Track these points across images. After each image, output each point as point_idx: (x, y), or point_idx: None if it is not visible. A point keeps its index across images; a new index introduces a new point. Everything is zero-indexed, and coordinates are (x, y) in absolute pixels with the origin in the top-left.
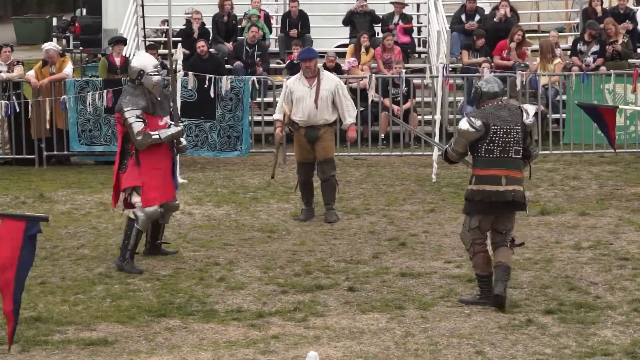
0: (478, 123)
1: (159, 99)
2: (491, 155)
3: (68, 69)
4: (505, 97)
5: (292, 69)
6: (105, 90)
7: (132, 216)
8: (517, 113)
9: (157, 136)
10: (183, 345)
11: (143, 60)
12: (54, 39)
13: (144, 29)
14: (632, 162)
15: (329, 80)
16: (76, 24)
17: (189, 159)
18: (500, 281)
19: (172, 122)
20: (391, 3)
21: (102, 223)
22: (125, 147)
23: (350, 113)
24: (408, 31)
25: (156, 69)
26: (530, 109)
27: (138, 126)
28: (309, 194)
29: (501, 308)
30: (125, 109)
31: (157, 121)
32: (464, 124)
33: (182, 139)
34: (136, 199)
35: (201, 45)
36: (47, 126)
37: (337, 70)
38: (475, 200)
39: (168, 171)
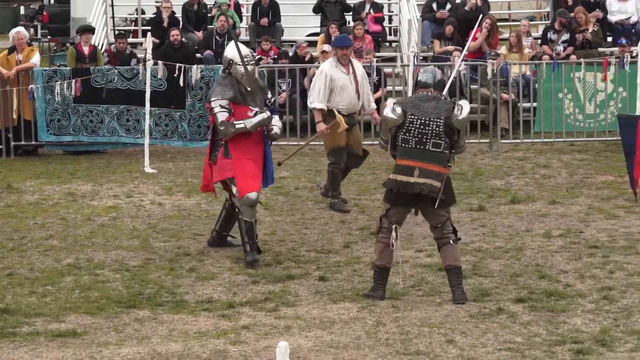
0: (398, 110)
1: (248, 89)
2: (407, 145)
3: (36, 58)
4: (443, 91)
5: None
6: (73, 80)
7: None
8: (446, 107)
9: (242, 125)
10: (153, 336)
11: (233, 50)
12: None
13: (112, 17)
14: (602, 150)
15: (359, 67)
16: (44, 13)
17: (159, 149)
18: (455, 286)
19: (257, 110)
20: None
21: (71, 214)
22: (215, 137)
23: (372, 99)
24: (379, 20)
25: (247, 58)
26: (466, 106)
27: (222, 116)
28: (339, 183)
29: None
30: (212, 99)
31: (246, 111)
32: (386, 110)
33: (274, 127)
34: (233, 190)
35: (175, 33)
36: (15, 116)
37: (310, 59)
38: (389, 189)
39: (259, 161)
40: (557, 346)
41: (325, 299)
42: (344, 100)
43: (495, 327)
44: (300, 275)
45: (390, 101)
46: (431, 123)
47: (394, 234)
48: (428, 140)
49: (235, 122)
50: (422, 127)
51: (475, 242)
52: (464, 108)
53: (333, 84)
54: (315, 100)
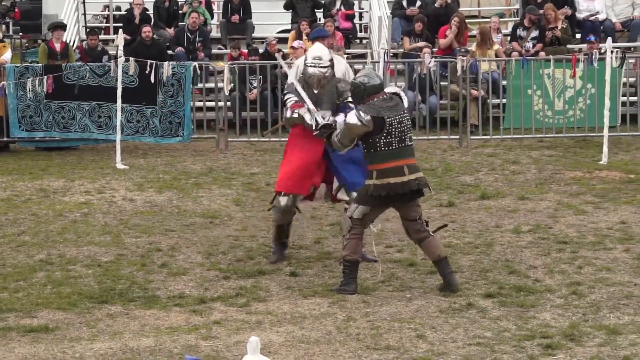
0: (367, 118)
1: (315, 91)
2: (391, 148)
3: (7, 54)
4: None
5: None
6: (45, 76)
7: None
8: (397, 102)
9: (296, 115)
10: (125, 331)
11: (309, 50)
12: None
13: (84, 14)
14: (570, 146)
15: (340, 62)
16: (16, 9)
17: (130, 145)
18: (448, 275)
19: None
20: None
21: (43, 210)
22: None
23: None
24: (349, 17)
25: (316, 61)
26: (403, 95)
27: (290, 102)
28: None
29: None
30: (284, 92)
31: None
32: (352, 118)
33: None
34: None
35: (147, 30)
36: None
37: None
38: (382, 195)
39: (311, 164)
40: (526, 341)
41: (296, 294)
42: None
43: (465, 322)
44: (271, 271)
45: (352, 111)
46: (404, 119)
47: (373, 229)
48: (406, 136)
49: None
50: (399, 125)
51: (445, 237)
52: (404, 97)
53: None
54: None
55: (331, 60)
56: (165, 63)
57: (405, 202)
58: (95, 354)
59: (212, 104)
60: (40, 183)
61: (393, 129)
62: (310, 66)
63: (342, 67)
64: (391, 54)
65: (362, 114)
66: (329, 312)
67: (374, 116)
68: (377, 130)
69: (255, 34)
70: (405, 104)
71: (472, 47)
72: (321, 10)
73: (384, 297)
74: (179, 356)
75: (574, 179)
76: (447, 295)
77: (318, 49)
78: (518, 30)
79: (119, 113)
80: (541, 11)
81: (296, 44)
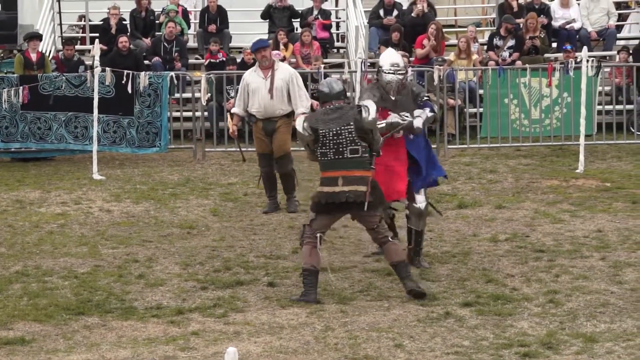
0: (306, 125)
1: (392, 98)
2: (326, 158)
3: None
4: (344, 100)
5: (214, 67)
6: (21, 87)
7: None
8: (352, 112)
9: (382, 125)
10: (102, 343)
11: (382, 57)
12: None
13: (60, 24)
14: (547, 155)
15: (284, 70)
16: None
17: (107, 156)
18: (405, 279)
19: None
20: None
21: (19, 221)
22: None
23: (302, 103)
24: (326, 27)
25: (394, 68)
26: (372, 106)
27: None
28: (272, 186)
29: (421, 298)
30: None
31: (387, 116)
32: (299, 125)
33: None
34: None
35: (123, 40)
36: None
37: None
38: (322, 203)
39: (394, 167)
40: (504, 349)
41: (274, 305)
42: (255, 103)
43: (443, 331)
44: (249, 281)
45: (301, 118)
46: (343, 131)
47: (318, 242)
48: (345, 149)
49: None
50: (335, 137)
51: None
52: (370, 108)
53: (248, 88)
54: (235, 106)
55: (406, 65)
56: (142, 73)
57: (353, 212)
58: None
59: (189, 114)
60: (16, 194)
61: (327, 141)
62: (388, 73)
63: (286, 74)
64: (368, 64)
65: (304, 122)
66: (307, 322)
67: (311, 126)
68: (316, 140)
69: (232, 44)
70: (370, 115)
71: (450, 56)
72: (298, 19)
73: (362, 307)
74: None
75: (550, 188)
76: (425, 305)
77: (393, 56)
78: (494, 39)
79: (95, 123)
80: (521, 20)
81: (275, 53)
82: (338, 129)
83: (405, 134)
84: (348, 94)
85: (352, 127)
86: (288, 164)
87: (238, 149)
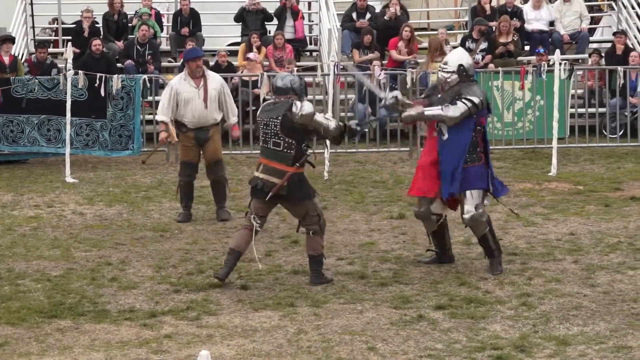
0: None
1: (438, 95)
2: (259, 144)
3: None
4: (291, 95)
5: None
6: None
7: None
8: (282, 107)
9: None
10: (75, 346)
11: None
12: None
13: (33, 27)
14: (520, 158)
15: (215, 79)
16: None
17: (80, 159)
18: (311, 271)
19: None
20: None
21: None
22: None
23: (234, 112)
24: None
25: (443, 65)
26: (305, 104)
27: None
28: (190, 196)
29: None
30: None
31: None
32: None
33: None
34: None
35: (97, 43)
36: None
37: (229, 68)
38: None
39: (428, 164)
40: (477, 352)
41: (247, 308)
42: (188, 113)
43: (416, 334)
44: (221, 284)
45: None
46: (270, 123)
47: (255, 224)
48: (269, 140)
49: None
50: (265, 127)
51: (395, 250)
52: (302, 106)
53: (178, 97)
54: (160, 113)
55: (461, 66)
56: (115, 76)
57: (281, 202)
58: None
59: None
60: None
61: (260, 129)
62: (439, 70)
63: (217, 84)
64: (341, 67)
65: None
66: (280, 325)
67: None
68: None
69: (205, 47)
70: (302, 111)
71: (424, 59)
72: (271, 22)
73: (335, 310)
74: None
75: (523, 191)
76: (398, 307)
77: (449, 55)
78: (467, 42)
79: (68, 126)
80: (494, 23)
81: (252, 55)
82: (267, 119)
83: (438, 134)
84: (320, 97)
85: (278, 121)
86: (221, 170)
87: (152, 150)
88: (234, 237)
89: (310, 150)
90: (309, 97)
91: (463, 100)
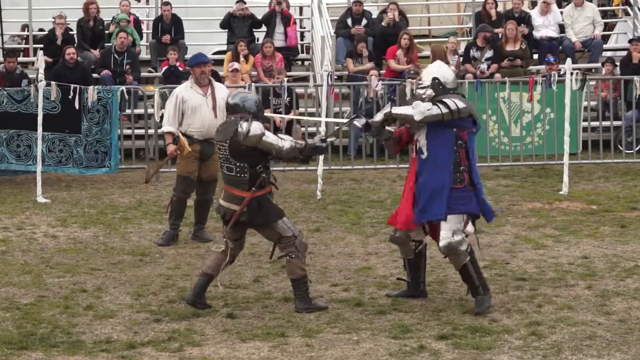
0: None
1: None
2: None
3: None
4: (239, 115)
5: (169, 78)
6: None
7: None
8: (230, 128)
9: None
10: None
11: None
12: None
13: (1, 34)
14: (529, 175)
15: (222, 89)
16: None
17: (52, 177)
18: (295, 296)
19: None
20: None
21: None
22: None
23: None
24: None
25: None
26: (253, 123)
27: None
28: (181, 214)
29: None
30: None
31: None
32: None
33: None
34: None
35: (70, 52)
36: None
37: (215, 78)
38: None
39: (408, 189)
40: None
41: (233, 338)
42: (196, 122)
43: None
44: (206, 313)
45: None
46: (221, 147)
47: (226, 249)
48: (223, 164)
49: None
50: (220, 151)
51: (394, 275)
52: (249, 127)
53: (184, 105)
54: (165, 124)
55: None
56: (90, 87)
57: (251, 227)
58: None
59: (142, 131)
60: None
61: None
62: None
63: (224, 93)
64: (335, 77)
65: None
66: (269, 357)
67: None
68: None
69: (188, 56)
70: (250, 132)
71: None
72: (260, 29)
73: (329, 340)
74: None
75: (532, 211)
76: (397, 337)
77: (427, 69)
78: (471, 50)
79: (39, 142)
80: (500, 30)
81: (236, 65)
82: (220, 143)
83: (417, 154)
84: (312, 109)
85: (226, 144)
86: (212, 191)
87: (157, 165)
88: (208, 260)
89: (268, 170)
90: (301, 109)
91: (437, 103)
